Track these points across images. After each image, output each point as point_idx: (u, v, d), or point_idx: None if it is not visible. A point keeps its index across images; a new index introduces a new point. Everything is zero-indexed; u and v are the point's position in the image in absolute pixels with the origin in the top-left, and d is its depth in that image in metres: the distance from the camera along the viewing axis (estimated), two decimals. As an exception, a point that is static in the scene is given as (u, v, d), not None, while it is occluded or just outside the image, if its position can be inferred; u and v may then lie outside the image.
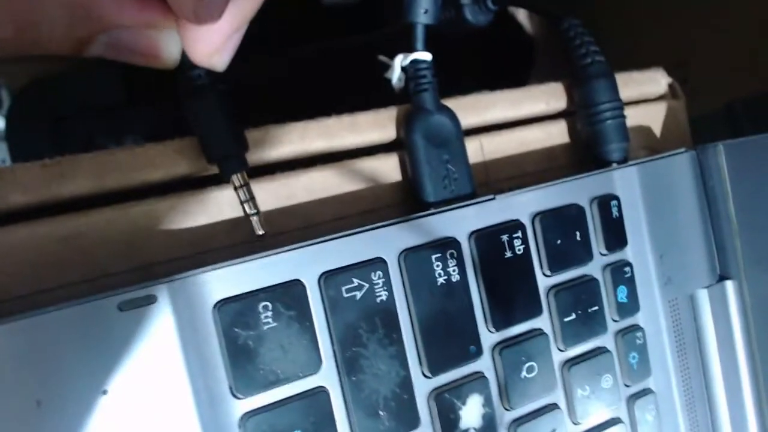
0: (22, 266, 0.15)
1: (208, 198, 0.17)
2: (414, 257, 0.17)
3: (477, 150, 0.21)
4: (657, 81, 0.24)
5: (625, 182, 0.21)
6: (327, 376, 0.16)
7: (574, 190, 0.20)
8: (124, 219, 0.16)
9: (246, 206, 0.17)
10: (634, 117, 0.24)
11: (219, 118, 0.17)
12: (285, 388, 0.16)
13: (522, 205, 0.19)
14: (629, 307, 0.21)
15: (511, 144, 0.22)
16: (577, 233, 0.20)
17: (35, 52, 0.12)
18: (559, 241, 0.20)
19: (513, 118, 0.22)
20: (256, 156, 0.18)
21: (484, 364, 0.18)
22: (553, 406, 0.19)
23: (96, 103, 0.29)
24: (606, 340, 0.21)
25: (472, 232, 0.18)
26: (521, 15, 0.36)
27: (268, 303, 0.16)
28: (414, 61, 0.19)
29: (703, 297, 0.22)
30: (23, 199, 0.15)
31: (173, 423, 0.15)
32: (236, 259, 0.15)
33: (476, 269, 0.18)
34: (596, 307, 0.20)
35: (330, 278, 0.16)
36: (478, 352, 0.18)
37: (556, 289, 0.20)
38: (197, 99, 0.17)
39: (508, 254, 0.19)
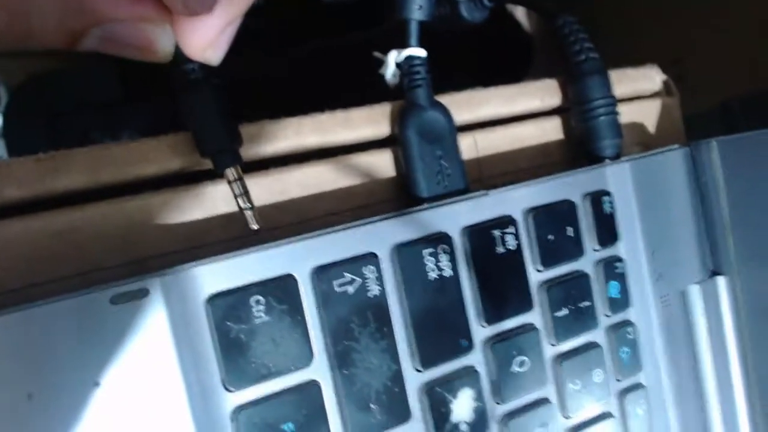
0: (16, 260, 0.15)
1: (202, 193, 0.17)
2: (406, 252, 0.18)
3: (471, 146, 0.21)
4: (651, 78, 0.25)
5: (617, 178, 0.21)
6: (319, 370, 0.16)
7: (566, 186, 0.20)
8: (119, 213, 0.16)
9: (240, 200, 0.17)
10: (628, 114, 0.24)
11: (213, 112, 0.17)
12: (277, 382, 0.16)
13: (514, 200, 0.19)
14: (621, 302, 0.21)
15: (505, 140, 0.22)
16: (569, 229, 0.20)
17: (29, 46, 0.12)
18: (551, 237, 0.20)
19: (507, 114, 0.22)
20: (250, 151, 0.18)
21: (475, 358, 0.19)
22: (544, 401, 0.20)
23: (93, 99, 0.29)
24: (597, 335, 0.21)
25: (465, 228, 0.18)
26: (519, 13, 0.36)
27: (260, 297, 0.16)
28: (408, 57, 0.19)
29: (695, 293, 0.22)
30: (18, 193, 0.15)
31: (165, 416, 0.15)
32: (228, 254, 0.16)
33: (468, 264, 0.18)
34: (588, 303, 0.20)
35: (322, 272, 0.16)
36: (470, 347, 0.18)
37: (548, 285, 0.20)
38: (191, 93, 0.17)
39: (500, 249, 0.19)
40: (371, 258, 0.17)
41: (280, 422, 0.16)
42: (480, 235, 0.19)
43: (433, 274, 0.18)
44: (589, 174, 0.21)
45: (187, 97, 0.17)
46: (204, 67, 0.17)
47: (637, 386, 0.21)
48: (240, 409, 0.15)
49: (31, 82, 0.28)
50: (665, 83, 0.25)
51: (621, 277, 0.21)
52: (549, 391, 0.20)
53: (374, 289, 0.17)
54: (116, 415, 0.14)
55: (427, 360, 0.18)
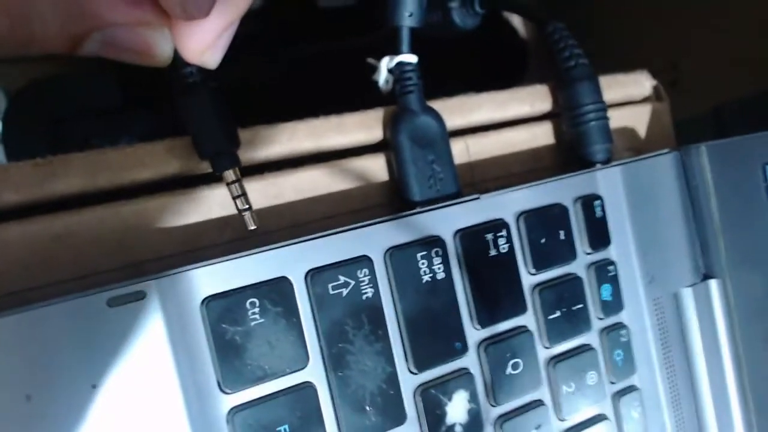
0: (14, 263, 0.15)
1: (199, 197, 0.18)
2: (400, 255, 0.18)
3: (463, 151, 0.21)
4: (641, 83, 0.25)
5: (608, 182, 0.21)
6: (314, 372, 0.17)
7: (558, 190, 0.20)
8: (116, 217, 0.17)
9: (238, 202, 0.17)
10: (618, 119, 0.24)
11: (211, 115, 0.17)
12: (272, 384, 0.16)
13: (506, 204, 0.20)
14: (613, 305, 0.21)
15: (496, 145, 0.22)
16: (561, 232, 0.20)
17: (31, 51, 0.12)
18: (543, 240, 0.20)
19: (499, 119, 0.22)
20: (245, 156, 0.18)
21: (469, 360, 0.19)
22: (538, 403, 0.20)
23: (93, 105, 0.29)
24: (591, 338, 0.21)
25: (457, 231, 0.19)
26: (515, 20, 0.36)
27: (255, 299, 0.16)
28: (400, 63, 0.20)
29: (688, 296, 0.22)
30: (16, 197, 0.16)
31: (162, 417, 0.15)
32: (224, 257, 0.16)
33: (461, 267, 0.19)
34: (580, 305, 0.20)
35: (316, 275, 0.17)
36: (464, 349, 0.19)
37: (541, 287, 0.20)
38: (189, 96, 0.17)
39: (493, 252, 0.19)
40: (365, 261, 0.17)
41: (276, 424, 0.16)
42: (472, 238, 0.19)
43: (426, 277, 0.18)
44: (580, 178, 0.21)
45: (185, 101, 0.17)
46: (202, 71, 0.17)
47: (631, 388, 0.21)
48: (235, 410, 0.16)
49: (31, 88, 0.29)
50: (655, 88, 0.25)
51: (613, 280, 0.21)
52: (543, 394, 0.20)
53: (368, 292, 0.17)
54: (113, 417, 0.14)
55: (421, 362, 0.18)
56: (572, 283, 0.20)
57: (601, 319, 0.21)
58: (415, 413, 0.18)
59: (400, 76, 0.20)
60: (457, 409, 0.18)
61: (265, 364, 0.16)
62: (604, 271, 0.21)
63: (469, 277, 0.19)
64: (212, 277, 0.16)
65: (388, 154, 0.20)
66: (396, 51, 0.20)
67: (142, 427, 0.15)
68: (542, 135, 0.23)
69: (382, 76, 0.20)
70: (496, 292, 0.19)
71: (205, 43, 0.13)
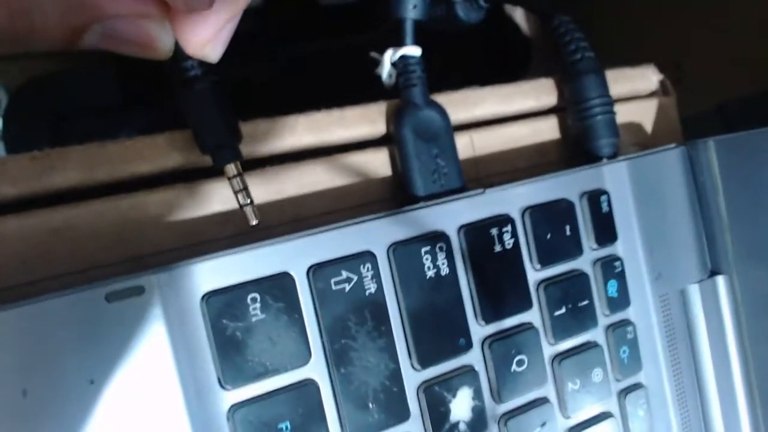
0: (11, 257, 0.15)
1: (199, 191, 0.17)
2: (403, 250, 0.17)
3: (468, 145, 0.21)
4: (648, 78, 0.25)
5: (614, 177, 0.21)
6: (316, 368, 0.16)
7: (563, 185, 0.20)
8: (115, 211, 0.16)
9: (239, 196, 0.17)
10: (624, 113, 0.24)
11: (212, 108, 0.17)
12: (274, 380, 0.16)
13: (512, 199, 0.19)
14: (619, 301, 0.21)
15: (501, 139, 0.22)
16: (567, 228, 0.20)
17: (31, 45, 0.12)
18: (548, 236, 0.20)
19: (503, 113, 0.22)
20: (247, 150, 0.18)
21: (474, 357, 0.18)
22: (543, 400, 0.19)
23: (94, 102, 0.29)
24: (596, 335, 0.21)
25: (462, 226, 0.18)
26: (518, 14, 0.36)
27: (256, 295, 0.16)
28: (403, 57, 0.19)
29: (695, 292, 0.22)
30: (13, 191, 0.15)
31: (161, 414, 0.15)
32: (224, 251, 0.16)
33: (466, 263, 0.18)
34: (586, 302, 0.20)
35: (319, 271, 0.16)
36: (468, 345, 0.18)
37: (546, 283, 0.20)
38: (190, 89, 0.17)
39: (498, 248, 0.19)
40: (368, 256, 0.17)
41: (277, 421, 0.16)
42: (477, 233, 0.19)
43: (430, 273, 0.18)
44: (586, 173, 0.21)
45: (186, 94, 0.17)
46: (203, 64, 0.17)
47: (637, 386, 0.21)
48: (236, 407, 0.15)
49: (31, 85, 0.29)
50: (662, 83, 0.25)
51: (619, 276, 0.21)
52: (548, 391, 0.20)
53: (371, 288, 0.17)
54: (111, 413, 0.14)
55: (425, 359, 0.18)
56: (578, 279, 0.20)
57: (607, 315, 0.21)
58: (419, 410, 0.18)
59: (404, 69, 0.19)
60: (461, 406, 0.18)
61: (267, 360, 0.16)
62: (611, 267, 0.21)
63: (473, 272, 0.18)
64: (213, 272, 0.15)
65: (391, 148, 0.20)
66: (400, 43, 0.19)
67: (141, 423, 0.14)
68: (547, 129, 0.23)
69: (386, 70, 0.20)
70: (501, 288, 0.19)
71: (206, 36, 0.13)
